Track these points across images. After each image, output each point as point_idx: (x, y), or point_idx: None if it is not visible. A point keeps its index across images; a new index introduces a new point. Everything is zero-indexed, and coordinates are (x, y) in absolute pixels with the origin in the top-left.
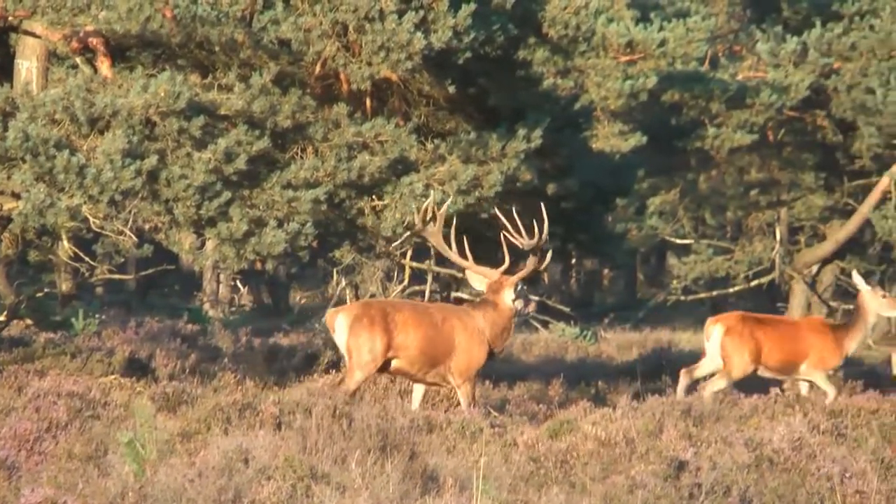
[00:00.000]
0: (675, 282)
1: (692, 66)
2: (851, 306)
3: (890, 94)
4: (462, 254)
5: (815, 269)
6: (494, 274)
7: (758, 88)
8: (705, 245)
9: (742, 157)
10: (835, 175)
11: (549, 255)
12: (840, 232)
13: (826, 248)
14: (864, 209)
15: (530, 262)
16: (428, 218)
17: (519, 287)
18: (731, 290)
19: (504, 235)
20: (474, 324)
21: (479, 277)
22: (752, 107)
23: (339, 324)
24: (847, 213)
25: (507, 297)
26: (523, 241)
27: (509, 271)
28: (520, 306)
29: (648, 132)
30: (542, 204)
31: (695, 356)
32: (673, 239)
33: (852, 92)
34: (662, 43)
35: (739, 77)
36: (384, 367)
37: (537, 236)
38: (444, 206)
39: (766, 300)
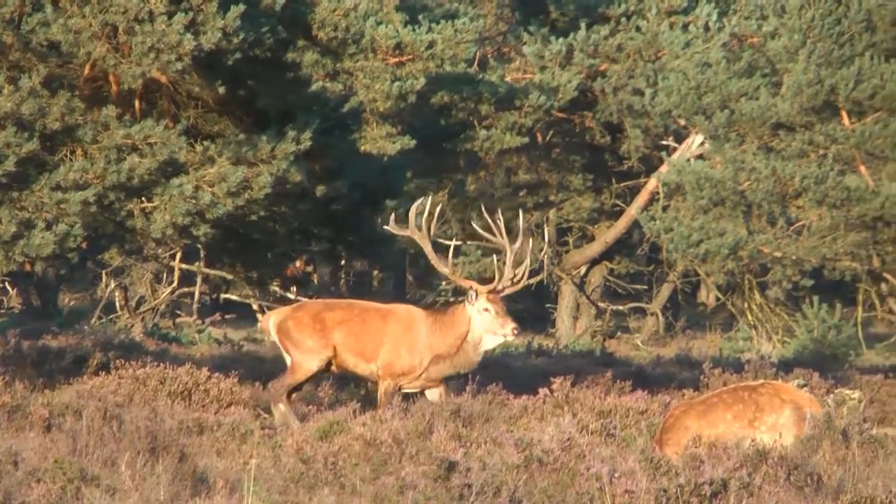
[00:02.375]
0: (444, 283)
1: (461, 67)
2: (620, 306)
3: (657, 96)
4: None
5: (583, 269)
6: (480, 288)
7: (526, 90)
8: (474, 246)
9: (511, 158)
10: (603, 176)
11: (525, 270)
12: (608, 233)
13: (594, 248)
14: (633, 210)
15: (505, 277)
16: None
17: (476, 296)
18: None
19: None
20: (412, 322)
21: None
22: (520, 108)
23: (272, 327)
24: (615, 215)
25: (466, 305)
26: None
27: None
28: (486, 319)
29: (417, 134)
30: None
31: None
32: (441, 240)
33: (619, 94)
34: (431, 45)
35: (508, 79)
36: (328, 366)
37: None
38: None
39: (534, 301)
